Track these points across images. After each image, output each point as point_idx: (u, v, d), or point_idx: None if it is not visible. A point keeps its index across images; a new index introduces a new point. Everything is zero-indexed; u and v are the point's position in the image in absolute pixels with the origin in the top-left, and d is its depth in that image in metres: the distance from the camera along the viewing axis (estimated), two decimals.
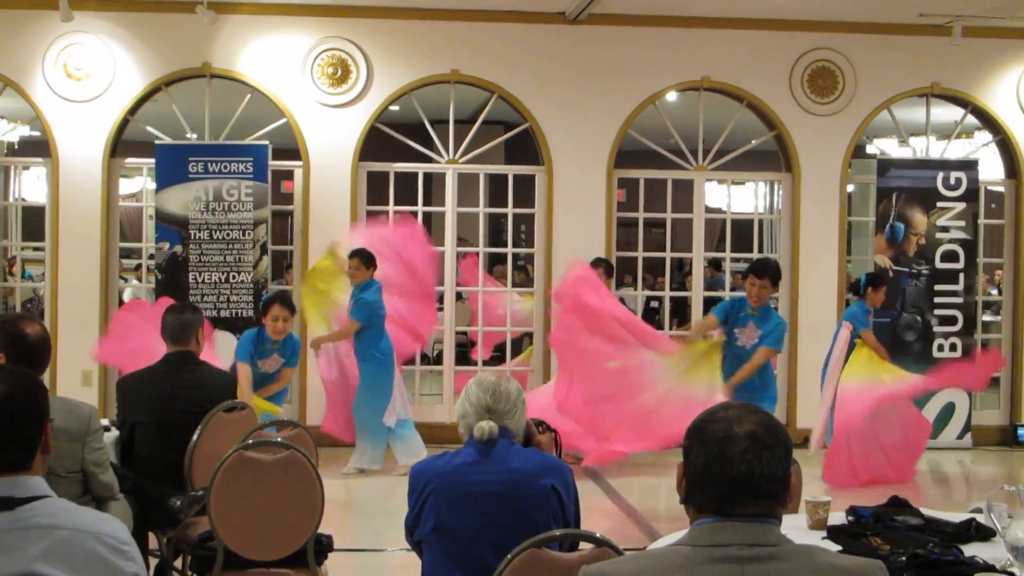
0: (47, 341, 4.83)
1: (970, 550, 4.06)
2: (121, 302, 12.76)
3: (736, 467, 2.49)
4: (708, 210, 12.63)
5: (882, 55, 12.06)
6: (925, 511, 4.63)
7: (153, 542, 6.19)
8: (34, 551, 2.61)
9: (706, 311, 12.47)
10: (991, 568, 3.75)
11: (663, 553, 2.55)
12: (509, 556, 3.54)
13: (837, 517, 4.57)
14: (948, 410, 11.92)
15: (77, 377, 11.05)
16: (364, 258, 10.07)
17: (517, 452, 4.08)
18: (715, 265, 14.89)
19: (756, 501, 2.50)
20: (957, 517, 4.53)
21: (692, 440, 2.57)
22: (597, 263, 10.88)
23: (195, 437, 5.90)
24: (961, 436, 11.98)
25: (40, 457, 2.77)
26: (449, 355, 12.04)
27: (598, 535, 3.66)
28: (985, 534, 4.31)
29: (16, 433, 2.71)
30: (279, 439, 5.57)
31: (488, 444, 4.04)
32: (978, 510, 4.52)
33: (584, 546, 3.82)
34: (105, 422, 5.56)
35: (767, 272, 8.40)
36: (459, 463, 4.04)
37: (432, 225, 13.16)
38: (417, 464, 4.17)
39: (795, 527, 4.23)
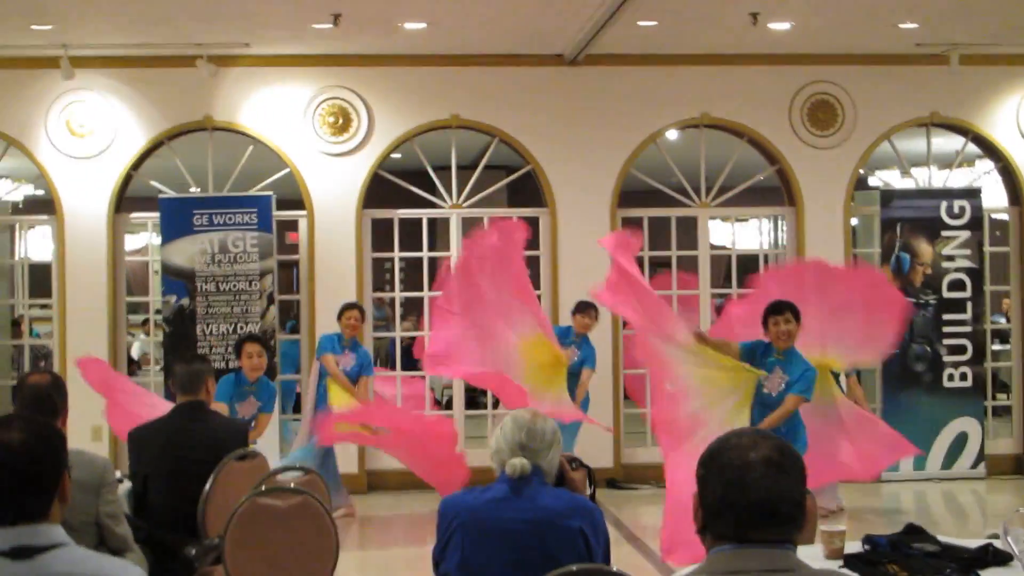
0: (54, 389, 4.86)
1: (988, 575, 4.04)
2: (130, 358, 12.78)
3: (755, 493, 2.48)
4: (713, 247, 12.62)
5: (881, 86, 12.11)
6: (941, 538, 4.61)
7: None
8: None
9: None
10: None
11: None
12: None
13: (853, 547, 4.55)
14: (961, 440, 11.87)
15: (87, 432, 11.01)
16: (362, 311, 10.55)
17: (548, 492, 4.05)
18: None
19: (775, 527, 2.50)
20: (973, 543, 4.51)
21: (708, 469, 2.56)
22: (585, 307, 10.63)
23: (208, 486, 5.88)
24: (975, 466, 11.92)
25: (58, 505, 2.75)
26: (459, 400, 12.02)
27: (615, 569, 3.65)
28: (1002, 559, 4.29)
29: (34, 481, 2.70)
30: (292, 485, 5.55)
31: (520, 481, 4.01)
32: (995, 536, 4.49)
33: None
34: (117, 474, 5.55)
35: (789, 308, 7.95)
36: (488, 499, 4.02)
37: (438, 269, 13.21)
38: (447, 497, 4.15)
39: (811, 557, 4.21)
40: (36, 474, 2.71)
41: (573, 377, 10.36)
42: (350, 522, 10.06)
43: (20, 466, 2.69)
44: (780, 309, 7.99)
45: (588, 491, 4.33)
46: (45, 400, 4.82)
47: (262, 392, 9.25)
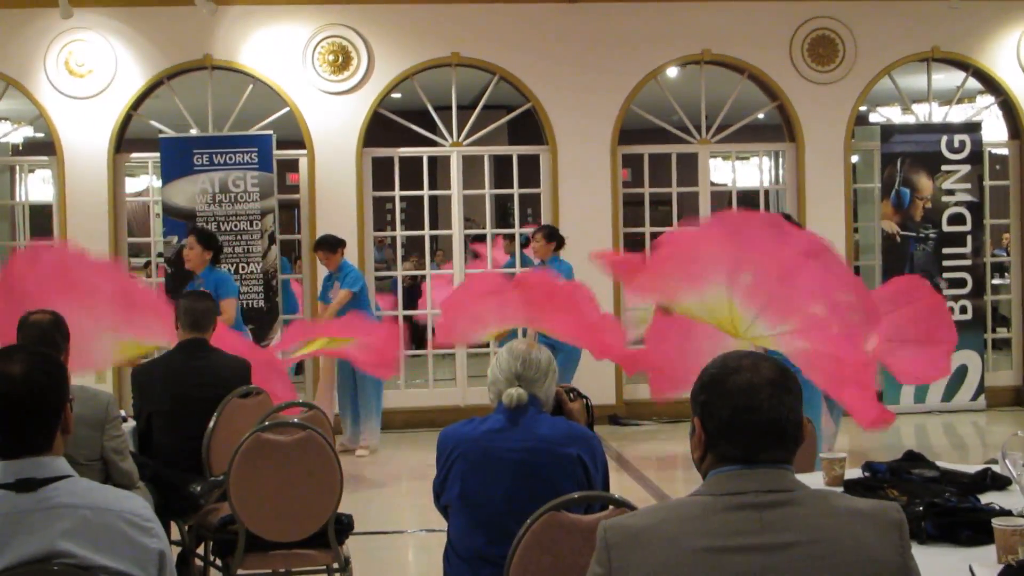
0: (54, 327, 4.89)
1: (986, 499, 4.08)
2: None
3: (764, 414, 2.51)
4: (713, 184, 12.60)
5: (881, 21, 12.04)
6: (940, 464, 4.65)
7: (175, 533, 6.21)
8: (58, 530, 2.63)
9: None
10: (1008, 514, 3.77)
11: (681, 503, 2.56)
12: (529, 520, 3.56)
13: (853, 473, 4.59)
14: (961, 372, 11.92)
15: (91, 375, 11.05)
16: (327, 245, 10.34)
17: (545, 420, 4.10)
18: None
19: (781, 447, 2.54)
20: (972, 469, 4.55)
21: (712, 394, 2.56)
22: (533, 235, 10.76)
23: (211, 423, 5.93)
24: (975, 398, 11.99)
25: (61, 437, 2.78)
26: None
27: (616, 496, 3.69)
28: (1001, 483, 4.33)
29: (37, 412, 2.73)
30: (295, 420, 5.60)
31: (516, 411, 4.06)
32: (993, 461, 4.53)
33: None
34: (122, 413, 5.59)
35: None
36: (486, 429, 4.07)
37: (439, 207, 13.16)
38: (445, 429, 4.19)
39: (812, 484, 4.23)
40: (38, 405, 2.73)
41: None
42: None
43: (22, 397, 2.71)
44: None
45: (586, 421, 4.36)
46: (46, 338, 4.84)
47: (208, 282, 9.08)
